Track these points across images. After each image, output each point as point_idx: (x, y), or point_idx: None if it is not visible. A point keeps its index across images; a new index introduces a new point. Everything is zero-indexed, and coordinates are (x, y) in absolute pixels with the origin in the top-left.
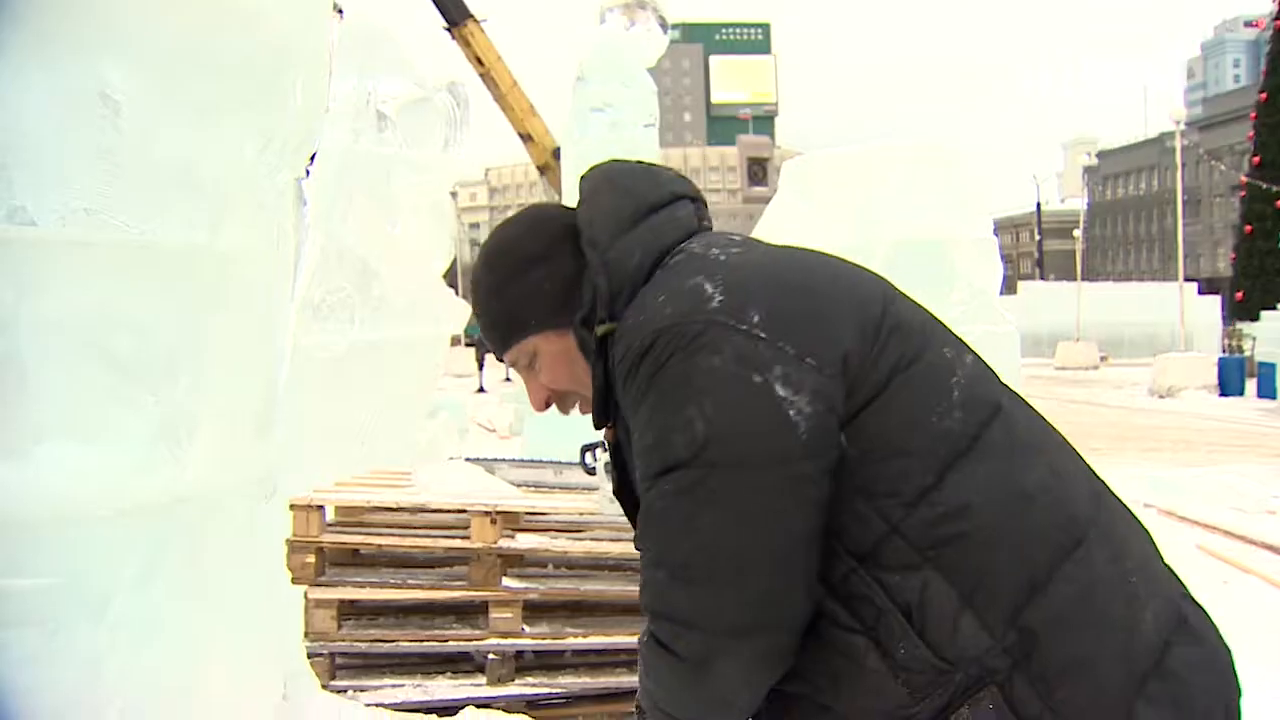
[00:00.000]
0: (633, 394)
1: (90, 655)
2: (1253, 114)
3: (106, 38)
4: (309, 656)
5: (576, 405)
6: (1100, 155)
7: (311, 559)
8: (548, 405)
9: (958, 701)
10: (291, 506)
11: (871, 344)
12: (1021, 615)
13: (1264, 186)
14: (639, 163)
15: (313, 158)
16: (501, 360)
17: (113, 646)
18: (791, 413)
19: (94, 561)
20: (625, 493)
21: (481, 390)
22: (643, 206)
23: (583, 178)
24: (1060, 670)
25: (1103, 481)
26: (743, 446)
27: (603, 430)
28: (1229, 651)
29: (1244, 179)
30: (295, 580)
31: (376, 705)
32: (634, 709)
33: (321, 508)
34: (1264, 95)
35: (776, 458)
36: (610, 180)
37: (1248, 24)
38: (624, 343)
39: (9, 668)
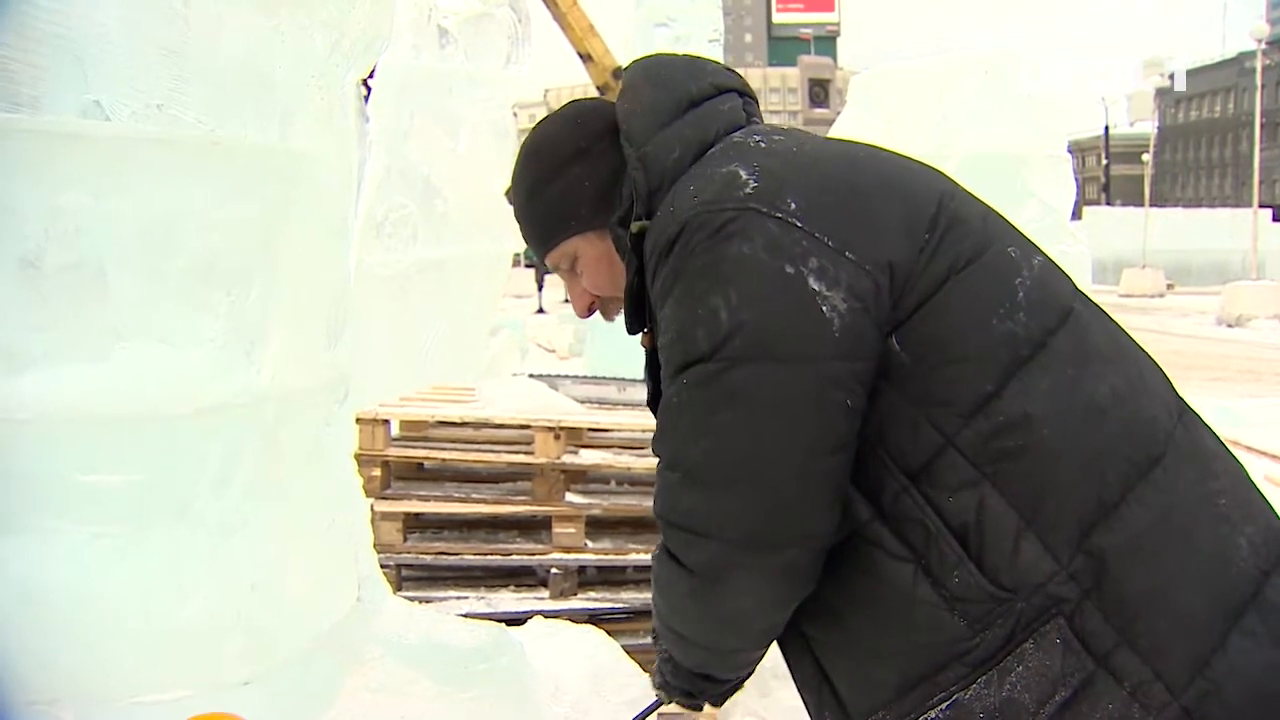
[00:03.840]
0: (660, 287)
1: (171, 554)
2: None
3: None
4: None
5: (621, 313)
6: (1174, 76)
7: (377, 472)
8: (591, 311)
9: (1021, 635)
10: (357, 420)
11: (923, 244)
12: (1090, 538)
13: None
14: (685, 55)
15: (372, 74)
16: (544, 264)
17: (193, 546)
18: (825, 308)
19: (175, 460)
20: (659, 403)
21: (541, 311)
22: (684, 100)
23: (624, 70)
24: (1136, 599)
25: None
26: (768, 341)
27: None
28: None
29: None
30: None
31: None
32: (652, 633)
33: (386, 422)
34: None
35: (804, 355)
36: (650, 73)
37: None
38: (654, 234)
39: (91, 571)
